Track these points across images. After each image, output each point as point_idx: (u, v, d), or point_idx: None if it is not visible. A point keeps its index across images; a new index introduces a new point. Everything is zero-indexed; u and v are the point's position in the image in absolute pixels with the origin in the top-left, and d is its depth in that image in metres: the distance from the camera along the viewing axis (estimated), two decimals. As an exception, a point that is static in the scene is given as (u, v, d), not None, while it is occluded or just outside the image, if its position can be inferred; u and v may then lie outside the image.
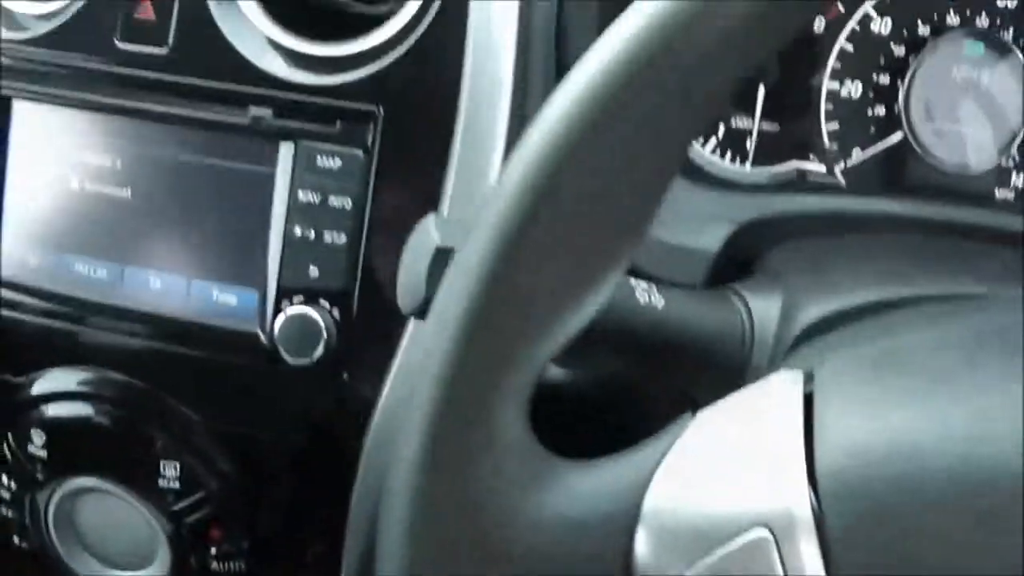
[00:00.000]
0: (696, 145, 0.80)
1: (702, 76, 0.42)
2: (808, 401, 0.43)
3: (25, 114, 0.80)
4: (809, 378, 0.44)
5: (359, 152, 0.72)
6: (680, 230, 0.76)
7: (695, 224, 0.74)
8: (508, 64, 0.72)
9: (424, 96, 0.72)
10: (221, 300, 0.76)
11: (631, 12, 0.42)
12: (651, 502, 0.43)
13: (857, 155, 0.77)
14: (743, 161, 0.80)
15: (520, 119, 0.72)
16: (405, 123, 0.72)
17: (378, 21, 0.75)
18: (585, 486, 0.44)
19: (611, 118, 0.42)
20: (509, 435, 0.44)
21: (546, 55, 0.76)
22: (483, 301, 0.43)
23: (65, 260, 0.80)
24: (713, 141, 0.82)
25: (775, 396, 0.43)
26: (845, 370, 0.44)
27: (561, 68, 0.75)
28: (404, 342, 0.73)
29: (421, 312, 0.57)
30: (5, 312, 0.82)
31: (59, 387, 0.82)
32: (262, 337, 0.74)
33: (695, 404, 0.60)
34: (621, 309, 0.59)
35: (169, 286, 0.77)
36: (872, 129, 0.77)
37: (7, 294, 0.82)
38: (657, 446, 0.44)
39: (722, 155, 0.81)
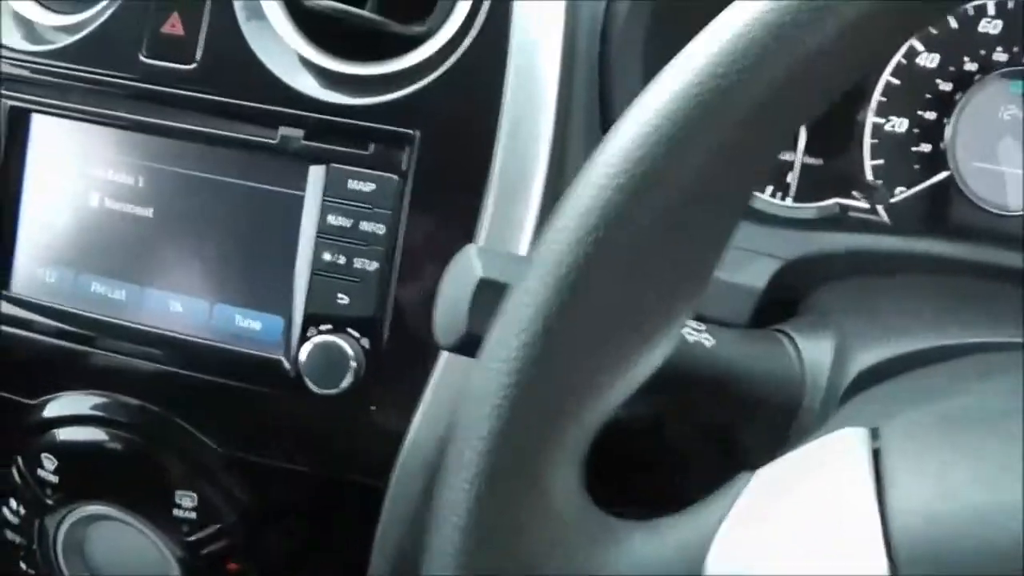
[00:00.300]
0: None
1: (773, 113, 0.40)
2: (874, 458, 0.41)
3: (44, 128, 0.78)
4: (875, 435, 0.42)
5: (393, 176, 0.70)
6: (726, 265, 0.74)
7: (741, 260, 0.72)
8: (551, 88, 0.70)
9: (463, 120, 0.70)
10: (244, 325, 0.73)
11: (699, 44, 0.40)
12: (714, 566, 0.41)
13: (901, 192, 0.75)
14: (785, 196, 0.78)
15: (562, 147, 0.70)
16: (442, 147, 0.70)
17: (414, 41, 0.73)
18: (645, 550, 0.42)
19: (678, 158, 0.40)
20: (565, 498, 0.41)
21: (589, 80, 0.74)
22: (540, 352, 0.40)
23: (82, 279, 0.77)
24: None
25: (841, 455, 0.41)
26: (914, 429, 0.42)
27: (604, 94, 0.73)
28: (435, 374, 0.71)
29: (461, 347, 0.55)
30: (17, 331, 0.80)
31: (72, 410, 0.80)
32: (286, 365, 0.72)
33: (745, 452, 0.59)
34: None
35: (190, 309, 0.75)
36: (916, 166, 0.75)
37: (20, 312, 0.79)
38: (718, 506, 0.42)
39: (763, 189, 0.79)
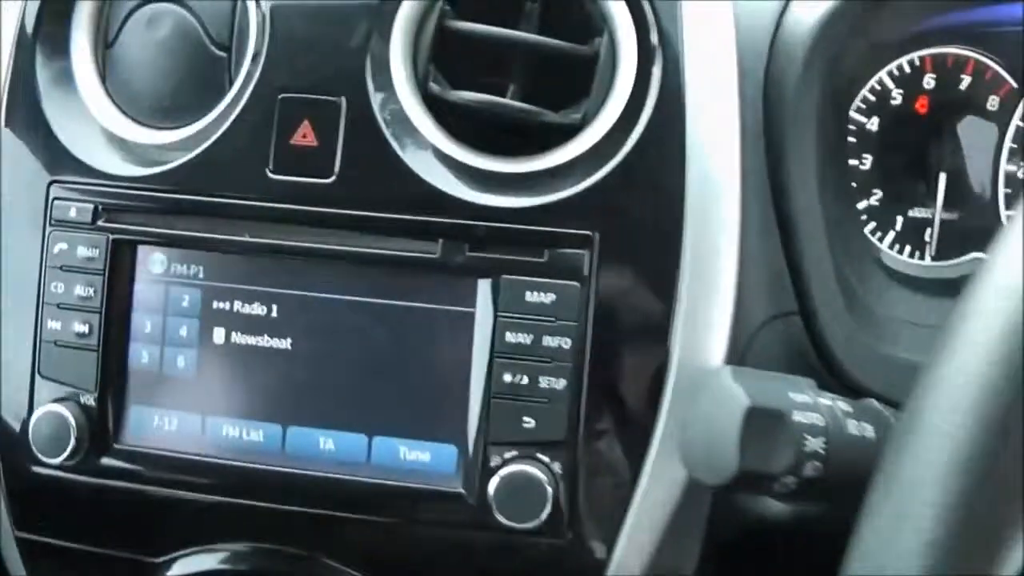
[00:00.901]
0: (871, 238, 0.76)
1: None
2: None
3: (154, 259, 0.70)
4: None
5: (574, 283, 0.64)
6: (886, 336, 0.70)
7: (894, 328, 0.69)
8: (734, 168, 0.66)
9: (644, 213, 0.65)
10: (411, 457, 0.67)
11: None
12: None
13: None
14: (923, 255, 0.75)
15: (747, 228, 0.65)
16: (624, 246, 0.64)
17: (567, 131, 0.67)
18: None
19: None
20: None
21: (756, 154, 0.69)
22: (966, 487, 0.37)
23: (211, 423, 0.70)
24: (891, 235, 0.75)
25: None
26: None
27: (773, 169, 0.68)
28: (636, 498, 0.65)
29: (732, 485, 0.51)
30: (133, 485, 0.71)
31: (204, 566, 0.72)
32: (469, 499, 0.64)
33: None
34: (837, 441, 0.54)
35: (344, 445, 0.68)
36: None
37: (134, 466, 0.71)
38: None
39: (900, 249, 0.75)
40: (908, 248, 0.75)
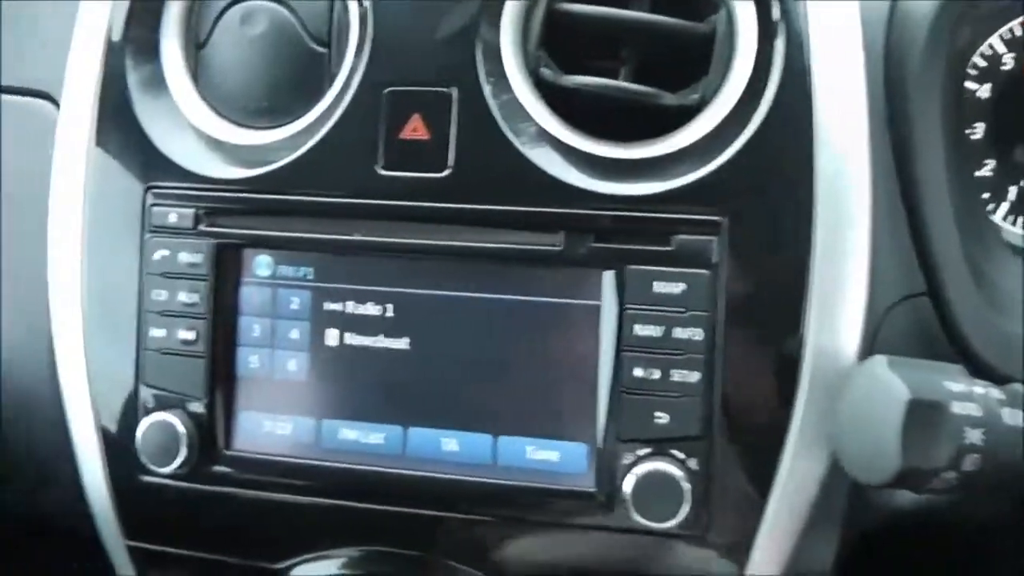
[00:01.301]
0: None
1: None
2: None
3: (260, 263, 0.68)
4: None
5: (704, 272, 0.61)
6: (1013, 314, 0.67)
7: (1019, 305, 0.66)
8: (862, 140, 0.63)
9: (774, 195, 0.62)
10: (539, 457, 0.65)
11: None
12: None
13: None
14: None
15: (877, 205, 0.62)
16: (754, 231, 0.62)
17: (682, 113, 0.64)
18: None
19: None
20: None
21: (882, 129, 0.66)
22: None
23: (327, 427, 0.68)
24: (1005, 206, 0.72)
25: None
26: None
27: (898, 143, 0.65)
28: (774, 493, 0.62)
29: (895, 483, 0.49)
30: (248, 492, 0.70)
31: (325, 572, 0.70)
32: (600, 497, 0.62)
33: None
34: (994, 431, 0.52)
35: (468, 446, 0.66)
36: None
37: (248, 474, 0.70)
38: None
39: (1014, 221, 0.73)
40: (1022, 220, 0.72)
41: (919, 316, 0.65)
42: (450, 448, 0.65)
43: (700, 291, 0.61)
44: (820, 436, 0.61)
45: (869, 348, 0.63)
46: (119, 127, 0.70)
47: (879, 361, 0.51)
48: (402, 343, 0.65)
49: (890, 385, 0.49)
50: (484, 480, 0.65)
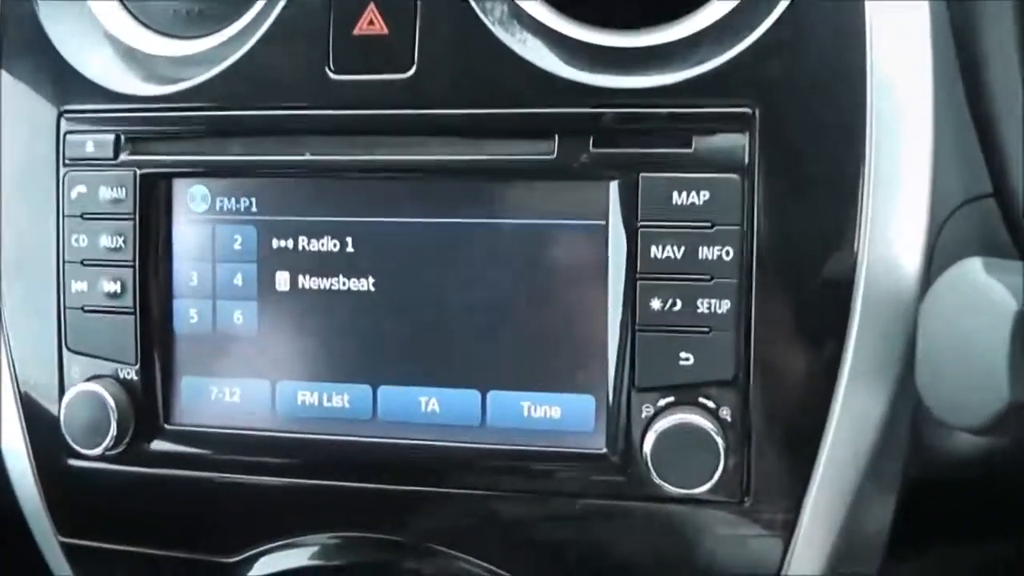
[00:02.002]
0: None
1: None
2: None
3: (193, 194, 0.59)
4: None
5: (733, 176, 0.51)
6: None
7: None
8: (923, 20, 0.52)
9: (816, 81, 0.51)
10: (537, 415, 0.55)
11: None
12: None
13: None
14: None
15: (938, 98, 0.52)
16: (793, 124, 0.51)
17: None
18: None
19: None
20: None
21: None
22: None
23: (283, 390, 0.59)
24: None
25: None
26: None
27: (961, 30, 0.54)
28: (824, 448, 0.52)
29: (1001, 423, 0.40)
30: (193, 473, 0.60)
31: (288, 565, 0.60)
32: (614, 459, 0.51)
33: None
34: None
35: (451, 406, 0.56)
36: None
37: (192, 449, 0.60)
38: None
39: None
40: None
41: (985, 220, 0.55)
42: (430, 409, 0.56)
43: (729, 200, 0.51)
44: (879, 369, 0.51)
45: (928, 263, 0.53)
46: (23, 41, 0.61)
47: (973, 265, 0.42)
48: (366, 284, 0.56)
49: (992, 293, 0.39)
50: (472, 445, 0.56)
